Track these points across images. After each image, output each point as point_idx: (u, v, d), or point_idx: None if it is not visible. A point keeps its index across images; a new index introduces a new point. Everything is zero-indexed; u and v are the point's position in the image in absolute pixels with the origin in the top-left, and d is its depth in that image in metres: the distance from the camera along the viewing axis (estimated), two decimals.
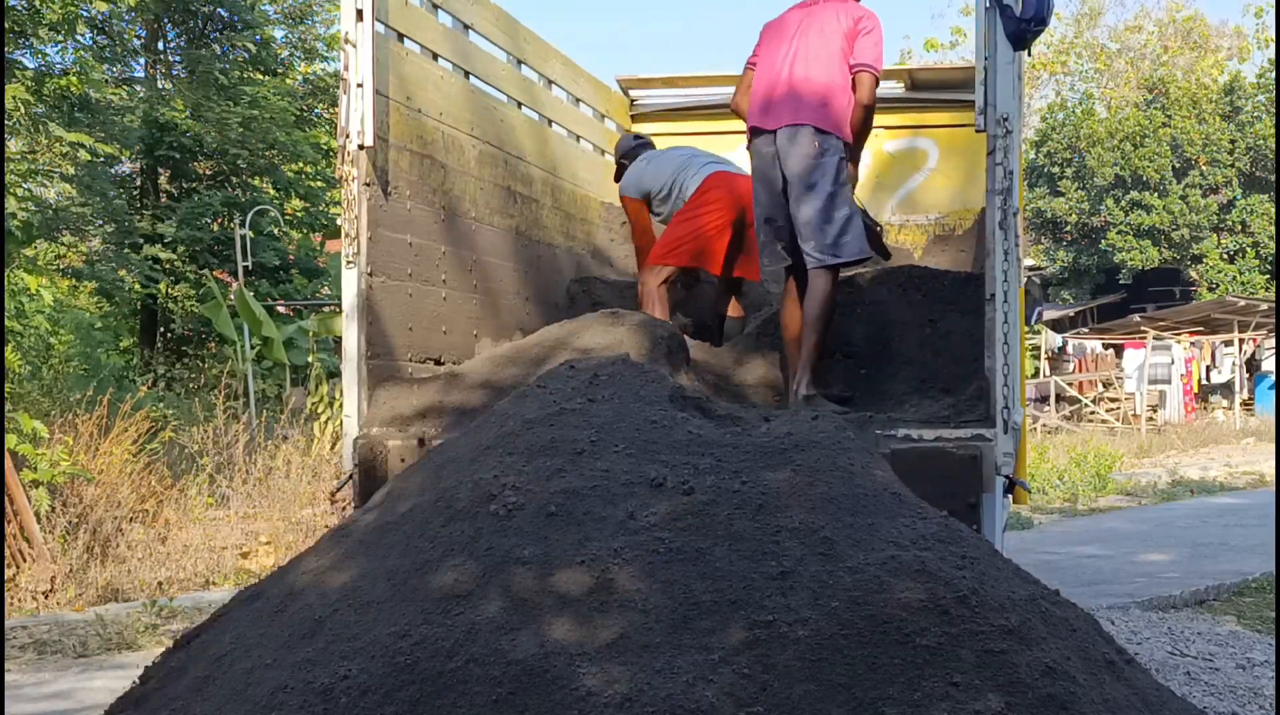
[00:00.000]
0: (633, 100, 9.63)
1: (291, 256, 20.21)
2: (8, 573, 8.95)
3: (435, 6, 6.58)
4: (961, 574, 3.64)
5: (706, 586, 3.58)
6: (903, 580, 3.60)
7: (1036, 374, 28.43)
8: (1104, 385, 28.65)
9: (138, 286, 18.60)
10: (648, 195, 7.62)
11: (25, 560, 9.10)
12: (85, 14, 11.13)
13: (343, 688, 3.48)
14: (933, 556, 3.70)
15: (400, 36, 6.13)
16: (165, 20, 20.09)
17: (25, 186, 10.93)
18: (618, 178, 8.01)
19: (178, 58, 20.77)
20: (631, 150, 8.04)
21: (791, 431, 4.52)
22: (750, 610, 3.49)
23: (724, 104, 9.11)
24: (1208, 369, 29.55)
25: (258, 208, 19.25)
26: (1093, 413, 27.56)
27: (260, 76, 20.18)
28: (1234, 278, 33.11)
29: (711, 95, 9.34)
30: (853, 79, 6.24)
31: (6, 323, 14.68)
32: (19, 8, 10.23)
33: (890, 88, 9.07)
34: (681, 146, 8.03)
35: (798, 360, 6.15)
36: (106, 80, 17.56)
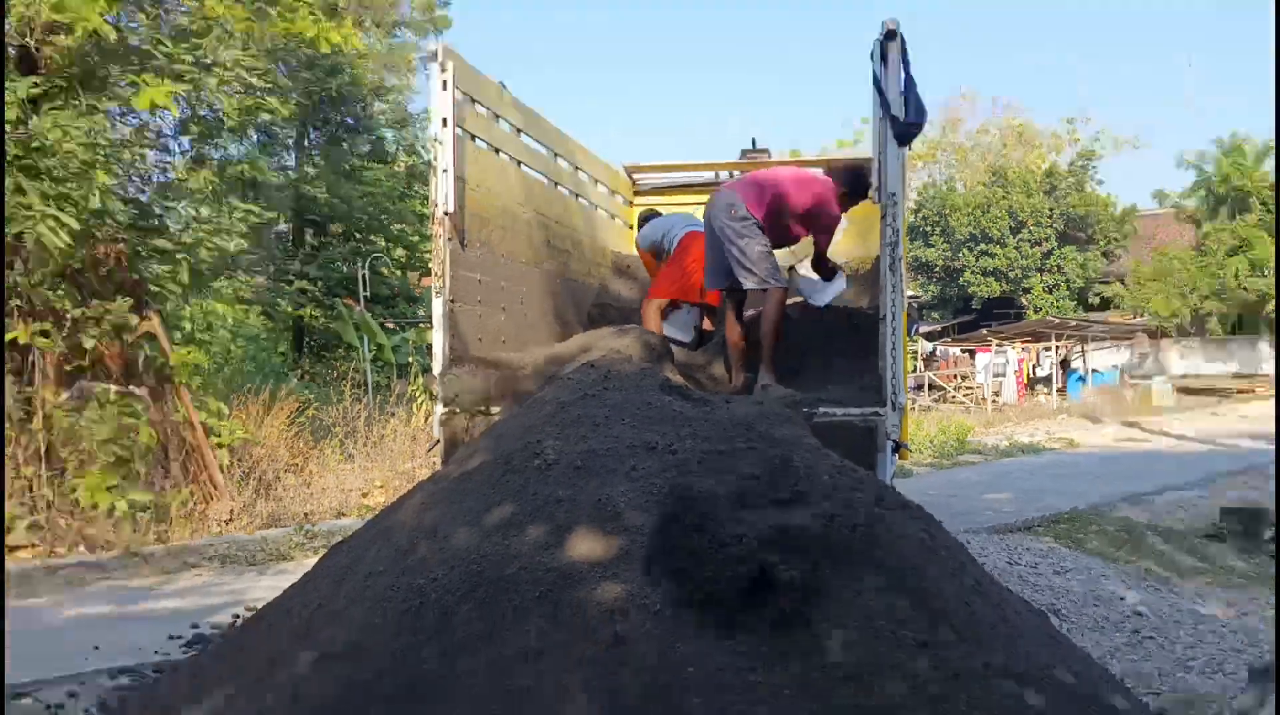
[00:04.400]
0: (635, 180, 9.64)
1: (397, 288, 20.20)
2: (200, 507, 8.98)
3: (496, 116, 6.60)
4: (870, 501, 3.65)
5: (682, 516, 3.56)
6: (827, 505, 3.60)
7: (915, 370, 28.55)
8: (961, 378, 28.65)
9: (290, 309, 18.65)
10: (652, 245, 7.71)
11: (212, 499, 9.13)
12: (255, 121, 11.17)
13: (432, 587, 3.50)
14: (849, 489, 3.71)
15: (472, 137, 6.15)
16: (309, 125, 20.13)
17: (214, 242, 10.96)
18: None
19: (317, 151, 20.82)
20: (641, 219, 8.25)
21: (746, 411, 4.52)
22: (714, 536, 3.47)
23: (701, 183, 9.13)
24: (1034, 367, 29.60)
25: (374, 255, 19.33)
26: (953, 397, 27.54)
27: (376, 165, 20.21)
28: (1052, 304, 33.32)
29: (692, 177, 9.36)
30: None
31: (201, 335, 14.69)
32: (209, 117, 10.24)
33: (815, 172, 9.05)
34: (673, 214, 8.06)
35: (737, 360, 6.12)
36: (268, 167, 17.63)
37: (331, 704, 3.21)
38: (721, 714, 2.95)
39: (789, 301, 6.37)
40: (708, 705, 2.94)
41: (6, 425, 8.37)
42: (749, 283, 5.96)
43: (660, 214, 8.27)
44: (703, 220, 6.35)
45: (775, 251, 6.27)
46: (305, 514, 9.37)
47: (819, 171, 6.46)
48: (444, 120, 5.72)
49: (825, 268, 6.76)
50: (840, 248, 9.02)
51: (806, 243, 9.02)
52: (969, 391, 27.91)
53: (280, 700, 3.35)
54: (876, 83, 5.53)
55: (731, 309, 6.19)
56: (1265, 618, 6.56)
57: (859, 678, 3.03)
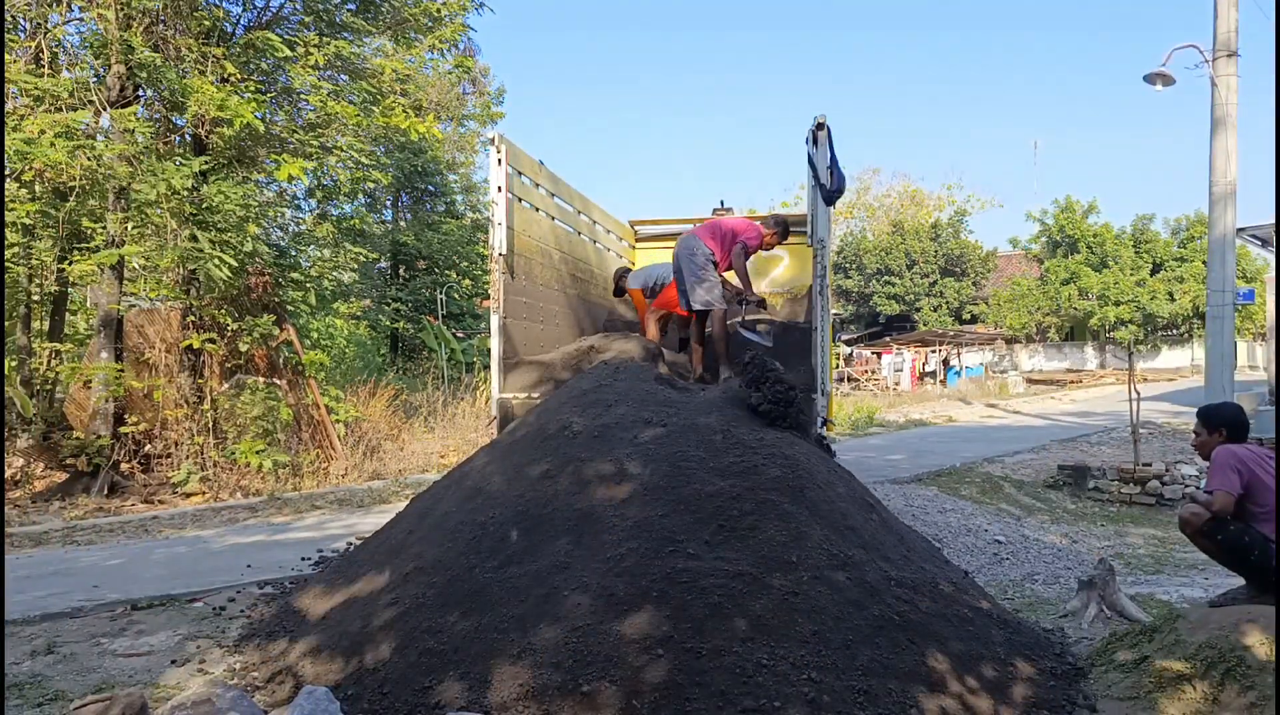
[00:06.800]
0: (636, 230, 9.62)
1: (465, 308, 20.18)
2: (324, 465, 8.96)
3: (536, 184, 6.59)
4: (803, 459, 3.65)
5: (670, 469, 3.59)
6: (772, 461, 3.60)
7: (837, 367, 28.45)
8: (871, 372, 28.58)
9: (388, 323, 18.62)
10: (642, 284, 7.50)
11: (332, 459, 9.11)
12: (363, 188, 11.17)
13: (492, 521, 3.50)
14: (789, 450, 3.71)
15: (520, 199, 6.15)
16: (402, 190, 20.15)
17: (334, 275, 10.95)
18: (616, 292, 7.69)
19: (407, 209, 20.81)
20: (619, 274, 7.85)
21: (714, 396, 4.53)
22: (694, 484, 3.50)
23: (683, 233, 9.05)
24: (923, 364, 29.51)
25: (448, 284, 19.29)
26: (865, 385, 27.49)
27: (450, 219, 20.18)
28: (936, 319, 33.22)
29: (678, 227, 9.33)
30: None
31: (324, 342, 14.67)
32: (329, 185, 10.24)
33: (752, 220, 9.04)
34: (655, 265, 7.79)
35: (700, 357, 6.04)
36: (373, 220, 17.63)
37: (419, 602, 3.22)
38: (686, 586, 2.94)
39: (732, 321, 6.29)
40: (673, 584, 2.93)
41: (185, 406, 8.37)
42: (697, 305, 5.85)
43: (631, 268, 7.96)
44: (674, 256, 6.25)
45: (755, 282, 6.17)
46: (399, 470, 9.36)
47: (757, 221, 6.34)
48: (499, 187, 5.72)
49: (750, 302, 6.54)
50: (783, 278, 9.06)
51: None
52: (876, 382, 27.85)
53: (381, 599, 3.36)
54: (810, 160, 5.53)
55: (696, 323, 6.16)
56: (1089, 545, 6.56)
57: (796, 582, 3.03)
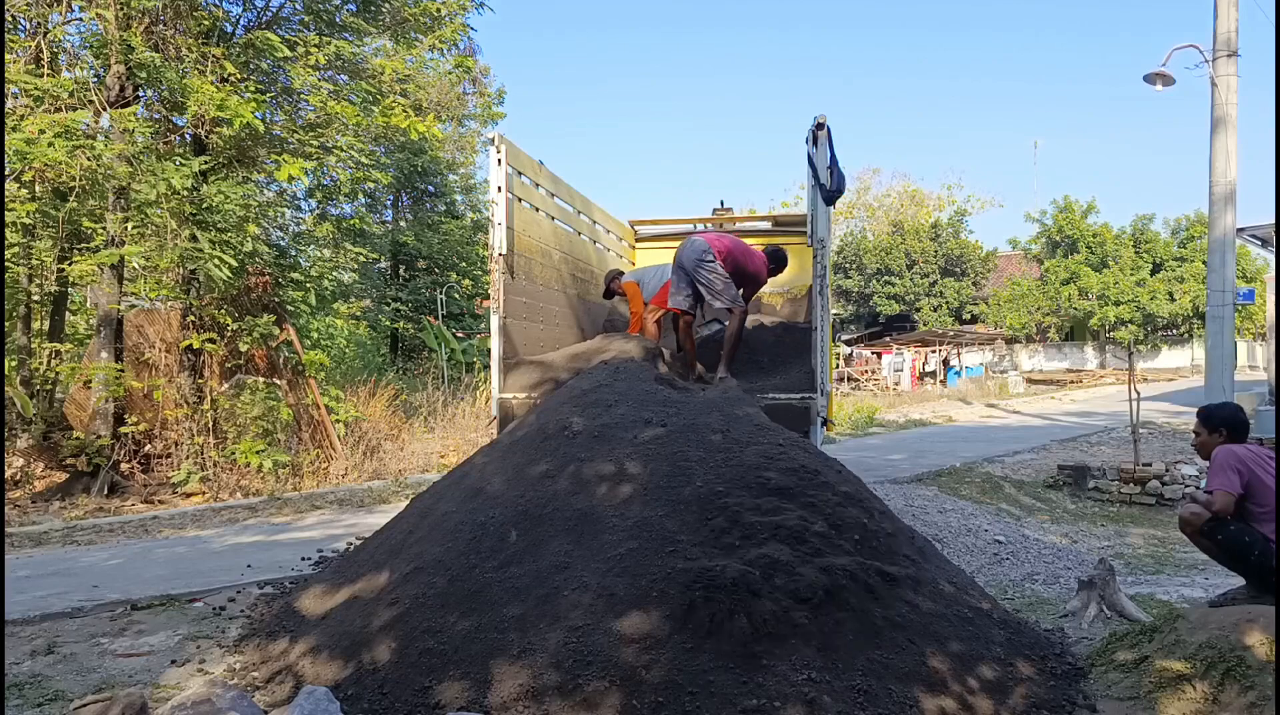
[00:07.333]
0: (636, 230, 9.61)
1: (465, 308, 20.16)
2: (324, 465, 8.95)
3: (536, 184, 6.59)
4: (803, 458, 3.65)
5: (671, 469, 3.59)
6: (773, 461, 3.61)
7: (837, 367, 28.41)
8: (871, 372, 28.55)
9: (388, 323, 18.62)
10: (639, 281, 7.45)
11: (332, 459, 9.11)
12: (363, 188, 11.14)
13: (492, 521, 3.50)
14: (789, 449, 3.71)
15: (520, 199, 6.14)
16: (402, 190, 20.15)
17: (334, 275, 10.94)
18: (606, 294, 7.63)
19: (407, 209, 20.80)
20: (613, 276, 7.67)
21: (715, 397, 4.53)
22: (693, 483, 3.50)
23: (684, 233, 9.04)
24: (923, 364, 29.48)
25: (448, 285, 19.30)
26: (865, 385, 27.47)
27: (450, 219, 20.16)
28: (936, 319, 33.22)
29: (678, 228, 9.32)
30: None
31: (324, 342, 14.66)
32: (329, 185, 10.22)
33: (764, 224, 9.05)
34: (651, 266, 7.73)
35: (691, 357, 6.02)
36: (373, 221, 17.62)
37: (419, 602, 3.21)
38: (686, 586, 2.94)
39: (700, 332, 6.28)
40: (673, 584, 2.93)
41: (185, 405, 8.37)
42: (719, 304, 5.85)
43: (623, 272, 7.83)
44: (675, 256, 6.22)
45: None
46: (399, 470, 9.35)
47: (759, 248, 6.30)
48: (499, 187, 5.73)
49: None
50: (783, 278, 9.06)
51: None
52: (876, 382, 27.84)
53: (381, 599, 3.35)
54: (810, 160, 5.53)
55: (684, 322, 6.15)
56: (1089, 545, 6.55)
57: (797, 582, 3.03)
